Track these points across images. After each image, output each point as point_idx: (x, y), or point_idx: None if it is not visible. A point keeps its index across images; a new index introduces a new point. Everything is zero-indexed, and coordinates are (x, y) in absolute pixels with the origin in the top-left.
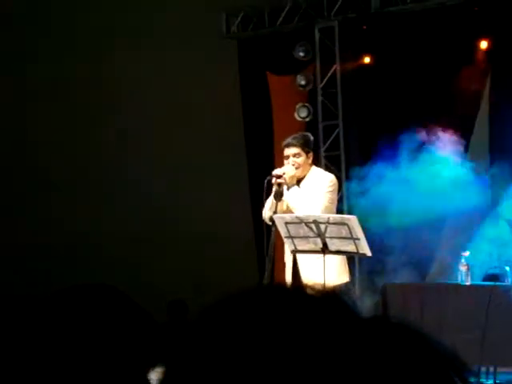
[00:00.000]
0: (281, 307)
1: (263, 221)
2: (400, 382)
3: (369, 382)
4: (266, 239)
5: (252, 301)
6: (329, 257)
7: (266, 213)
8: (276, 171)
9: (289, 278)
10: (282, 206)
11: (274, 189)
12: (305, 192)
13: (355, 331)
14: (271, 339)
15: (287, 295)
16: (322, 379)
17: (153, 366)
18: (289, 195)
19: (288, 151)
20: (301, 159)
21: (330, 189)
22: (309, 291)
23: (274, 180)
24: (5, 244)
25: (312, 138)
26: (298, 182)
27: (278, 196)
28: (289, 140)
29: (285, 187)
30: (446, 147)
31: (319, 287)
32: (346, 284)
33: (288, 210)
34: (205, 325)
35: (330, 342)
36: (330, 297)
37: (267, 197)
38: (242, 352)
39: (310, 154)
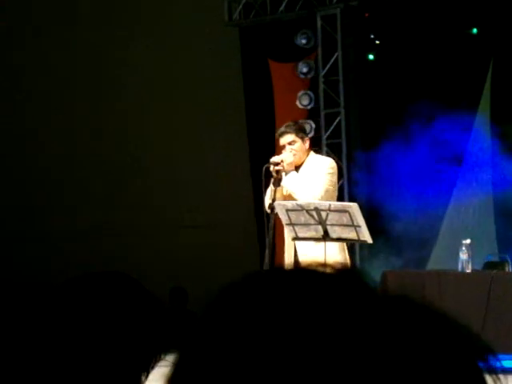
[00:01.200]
0: (297, 287)
1: (264, 209)
2: (424, 363)
3: (393, 362)
4: (266, 227)
5: (268, 282)
6: (328, 243)
7: (267, 202)
8: (274, 158)
9: (289, 264)
10: (282, 192)
11: (273, 176)
12: (304, 176)
13: (376, 310)
14: (289, 321)
15: (302, 274)
16: (341, 359)
17: (165, 350)
18: (287, 180)
19: (283, 140)
20: (297, 145)
21: (330, 171)
22: (327, 270)
23: (272, 167)
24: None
25: (308, 125)
26: (297, 168)
27: (277, 183)
28: (282, 129)
29: (283, 174)
30: (449, 132)
31: (337, 265)
32: None
33: (287, 196)
34: (219, 309)
35: (352, 321)
36: (350, 274)
37: (266, 184)
38: (259, 337)
39: (306, 139)
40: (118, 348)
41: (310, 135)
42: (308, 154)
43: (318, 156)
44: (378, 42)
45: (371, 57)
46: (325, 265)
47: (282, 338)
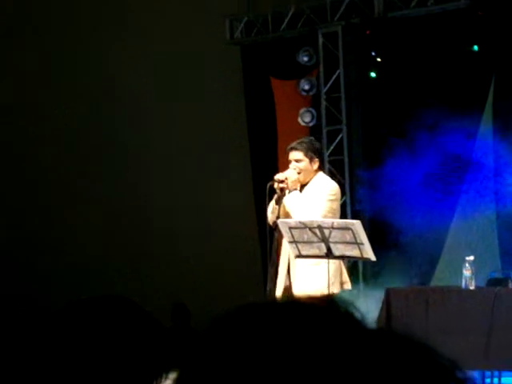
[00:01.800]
0: (287, 320)
1: (267, 225)
2: None
3: None
4: (269, 244)
5: (259, 312)
6: (323, 265)
7: (269, 216)
8: (278, 176)
9: (280, 285)
10: (285, 209)
11: (277, 193)
12: (305, 197)
13: (357, 344)
14: (279, 351)
15: (291, 307)
16: None
17: (166, 372)
18: (287, 198)
19: (291, 155)
20: (302, 164)
21: (331, 197)
22: (311, 302)
23: (276, 185)
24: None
25: (319, 144)
26: (302, 187)
27: (280, 200)
28: (293, 144)
29: (287, 192)
30: (451, 147)
31: (321, 297)
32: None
33: (290, 214)
34: (217, 334)
35: (334, 354)
36: (334, 308)
37: (270, 201)
38: (250, 363)
39: (316, 160)
40: (119, 372)
41: (319, 155)
42: (315, 174)
43: (324, 178)
44: (379, 59)
45: (373, 74)
46: (313, 297)
47: (267, 370)
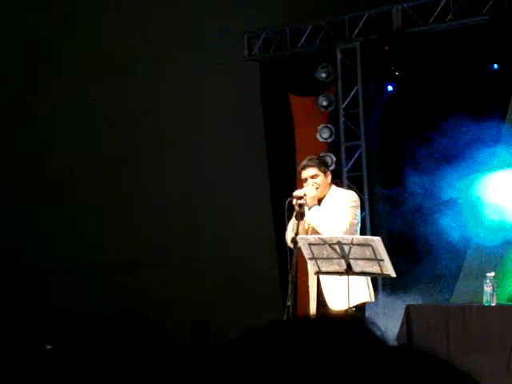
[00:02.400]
0: (310, 340)
1: (286, 242)
2: None
3: None
4: (289, 261)
5: (283, 332)
6: (351, 277)
7: (289, 235)
8: (296, 192)
9: (313, 300)
10: (304, 225)
11: (296, 210)
12: (326, 210)
13: (380, 362)
14: (302, 371)
15: (315, 328)
16: None
17: None
18: (310, 214)
19: (305, 173)
20: (319, 179)
21: (353, 204)
22: (335, 321)
23: (294, 201)
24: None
25: (329, 158)
26: (319, 202)
27: (300, 216)
28: (304, 162)
29: (306, 208)
30: (470, 164)
31: (344, 316)
32: (364, 305)
33: (310, 230)
34: (243, 352)
35: (357, 375)
36: (357, 327)
37: (289, 218)
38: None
39: (328, 174)
40: None
41: (331, 168)
42: (330, 188)
43: (340, 189)
44: (397, 74)
45: (391, 89)
46: (338, 317)
47: None
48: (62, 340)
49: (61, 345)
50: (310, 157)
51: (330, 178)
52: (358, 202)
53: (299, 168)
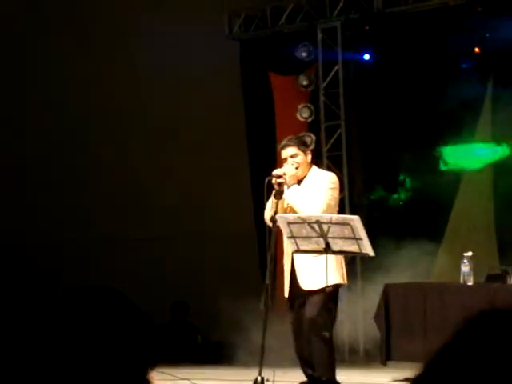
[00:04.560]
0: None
1: (265, 221)
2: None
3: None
4: (267, 240)
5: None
6: (323, 257)
7: (267, 213)
8: (276, 171)
9: (287, 280)
10: (283, 204)
11: (275, 189)
12: (305, 190)
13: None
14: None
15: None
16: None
17: (153, 365)
18: (289, 193)
19: (284, 153)
20: (299, 158)
21: (332, 185)
22: None
23: (274, 180)
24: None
25: (308, 138)
26: (299, 182)
27: (279, 195)
28: (284, 142)
29: (285, 187)
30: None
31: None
32: (337, 286)
33: (288, 209)
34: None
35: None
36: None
37: (268, 197)
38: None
39: (308, 153)
40: (104, 363)
41: (310, 147)
42: (310, 168)
43: (320, 170)
44: (378, 54)
45: (367, 57)
46: None
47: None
48: (38, 311)
49: (36, 316)
50: (289, 137)
51: (310, 157)
52: (337, 184)
53: (279, 148)
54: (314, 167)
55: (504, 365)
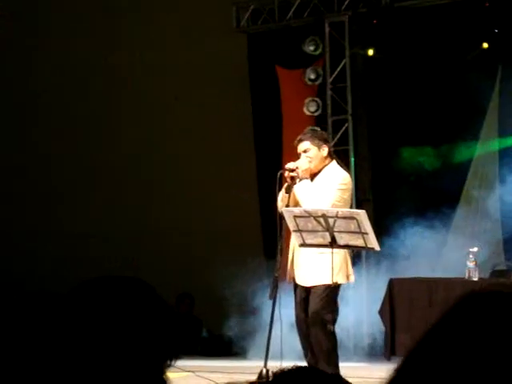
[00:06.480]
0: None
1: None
2: None
3: None
4: (278, 231)
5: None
6: (328, 255)
7: (279, 205)
8: (289, 165)
9: (290, 274)
10: (295, 198)
11: (287, 182)
12: (315, 186)
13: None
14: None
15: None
16: None
17: (175, 356)
18: (297, 187)
19: (299, 148)
20: (311, 152)
21: (342, 187)
22: None
23: (286, 173)
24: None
25: (324, 132)
26: (314, 176)
27: (290, 189)
28: (300, 136)
29: (297, 180)
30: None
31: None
32: (339, 285)
33: (300, 203)
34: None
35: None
36: None
37: (280, 190)
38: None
39: (324, 147)
40: (130, 353)
41: (327, 142)
42: (327, 162)
43: (337, 168)
44: (386, 48)
45: (371, 53)
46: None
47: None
48: (57, 303)
49: (55, 310)
50: (305, 131)
51: (325, 151)
52: (349, 185)
53: (294, 143)
54: (333, 162)
55: (484, 350)
